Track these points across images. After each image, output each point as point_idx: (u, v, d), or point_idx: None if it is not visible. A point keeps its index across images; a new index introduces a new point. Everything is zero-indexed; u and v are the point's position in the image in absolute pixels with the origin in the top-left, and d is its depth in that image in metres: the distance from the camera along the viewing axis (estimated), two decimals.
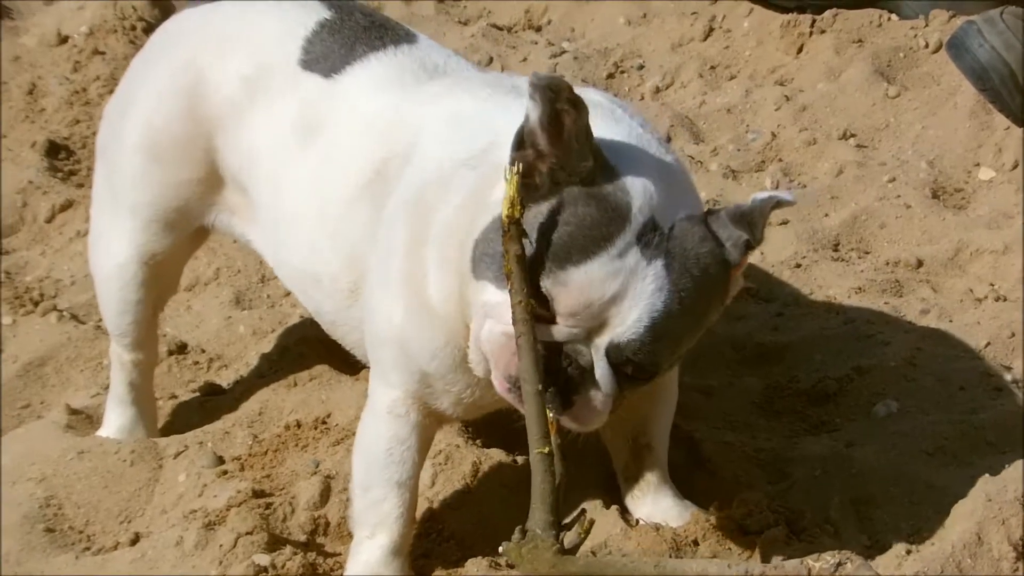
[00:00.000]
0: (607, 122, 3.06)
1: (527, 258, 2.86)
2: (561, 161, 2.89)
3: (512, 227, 2.84)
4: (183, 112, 3.54)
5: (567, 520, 2.88)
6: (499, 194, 2.95)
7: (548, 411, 2.86)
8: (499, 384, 2.98)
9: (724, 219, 2.95)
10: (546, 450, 2.84)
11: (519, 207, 2.84)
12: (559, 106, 2.86)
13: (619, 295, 2.88)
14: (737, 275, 3.01)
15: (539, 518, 2.85)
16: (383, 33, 3.48)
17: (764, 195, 2.97)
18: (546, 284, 2.88)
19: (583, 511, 2.93)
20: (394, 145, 3.27)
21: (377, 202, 3.25)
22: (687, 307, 2.91)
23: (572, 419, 2.96)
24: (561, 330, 2.90)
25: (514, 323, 2.85)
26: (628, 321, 2.89)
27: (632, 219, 2.89)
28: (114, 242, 3.70)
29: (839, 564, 2.74)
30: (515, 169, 2.85)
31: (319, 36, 3.48)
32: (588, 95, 3.01)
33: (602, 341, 2.91)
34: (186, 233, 3.68)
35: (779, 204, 2.96)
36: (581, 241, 2.88)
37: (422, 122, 3.27)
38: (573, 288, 2.87)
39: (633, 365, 2.93)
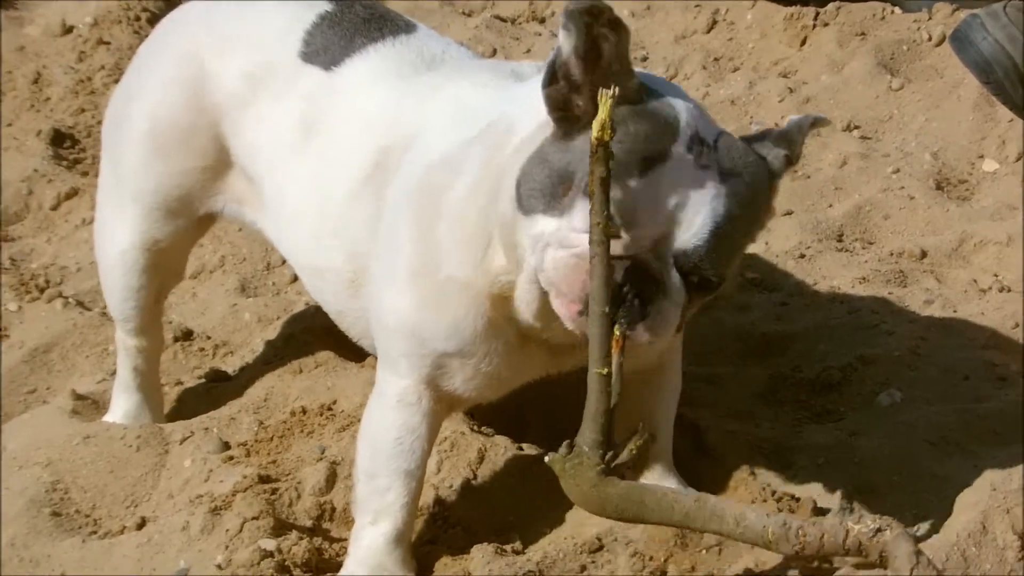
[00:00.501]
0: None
1: (609, 181, 2.83)
2: (602, 86, 2.88)
3: (600, 149, 2.81)
4: (187, 103, 3.56)
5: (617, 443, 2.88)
6: (517, 139, 2.97)
7: (614, 330, 2.84)
8: (567, 309, 2.93)
9: (762, 139, 3.02)
10: (605, 371, 2.84)
11: (609, 130, 2.81)
12: (597, 31, 2.85)
13: (681, 203, 2.88)
14: (775, 192, 3.05)
15: (588, 436, 2.85)
16: (383, 25, 3.49)
17: (801, 116, 3.05)
18: (622, 195, 2.86)
19: (635, 431, 2.92)
20: (394, 137, 3.27)
21: (378, 195, 3.25)
22: (742, 214, 2.93)
23: (647, 329, 2.93)
24: (629, 244, 2.88)
25: (591, 243, 2.82)
26: (694, 227, 2.89)
27: (681, 132, 2.90)
28: (118, 229, 3.71)
29: (878, 530, 2.75)
30: (610, 93, 2.83)
31: (319, 29, 3.49)
32: None
33: (669, 250, 2.90)
34: (189, 221, 3.69)
35: (816, 123, 3.06)
36: (639, 155, 2.87)
37: (423, 113, 3.27)
38: (639, 200, 2.86)
39: (699, 273, 2.92)
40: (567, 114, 2.91)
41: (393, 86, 3.37)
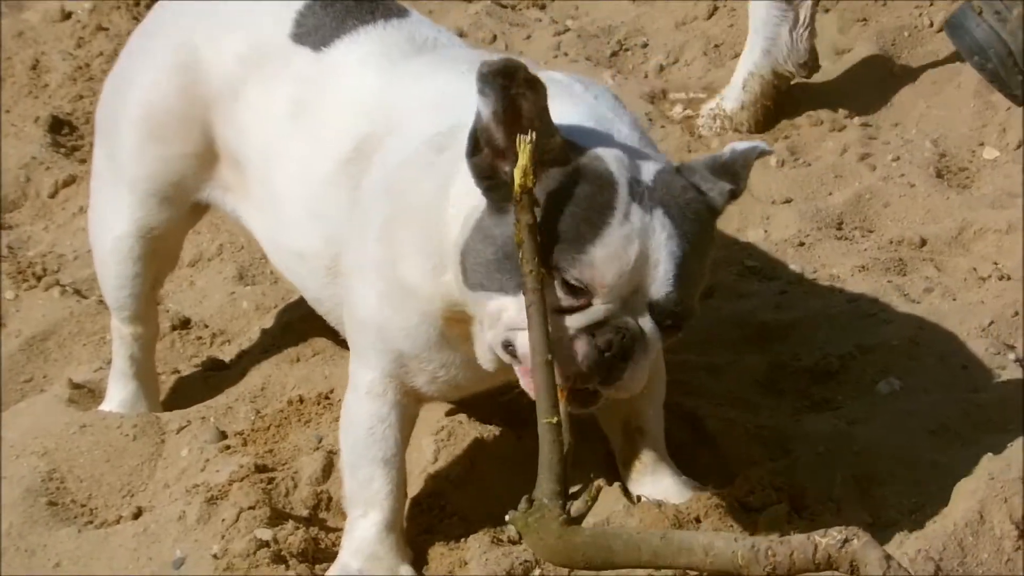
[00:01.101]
0: (562, 100, 3.04)
1: (538, 228, 2.84)
2: (532, 149, 2.85)
3: (524, 196, 2.82)
4: (180, 89, 3.55)
5: (574, 490, 2.88)
6: (458, 191, 2.96)
7: (556, 381, 2.85)
8: (528, 380, 2.96)
9: (703, 170, 2.99)
10: (554, 420, 2.83)
11: (532, 176, 2.82)
12: (515, 91, 2.83)
13: (642, 252, 2.88)
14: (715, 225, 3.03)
15: (546, 488, 2.85)
16: (374, 7, 3.47)
17: (744, 145, 3.01)
18: (574, 272, 2.87)
19: (591, 480, 2.93)
20: (375, 124, 3.26)
21: (356, 182, 3.25)
22: (697, 248, 2.93)
23: (622, 388, 2.96)
24: (600, 309, 2.89)
25: (525, 292, 2.83)
26: (659, 275, 2.89)
27: (619, 182, 2.89)
28: (112, 215, 3.70)
29: (846, 540, 2.74)
30: (528, 139, 2.82)
31: (312, 9, 3.48)
32: (546, 74, 3.00)
33: (643, 303, 2.91)
34: (183, 208, 3.68)
35: (761, 154, 3.02)
36: (586, 218, 2.87)
37: (402, 100, 3.26)
38: (600, 264, 2.87)
39: (673, 317, 2.93)
40: (495, 182, 2.89)
41: (380, 71, 3.35)
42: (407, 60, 3.35)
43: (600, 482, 2.97)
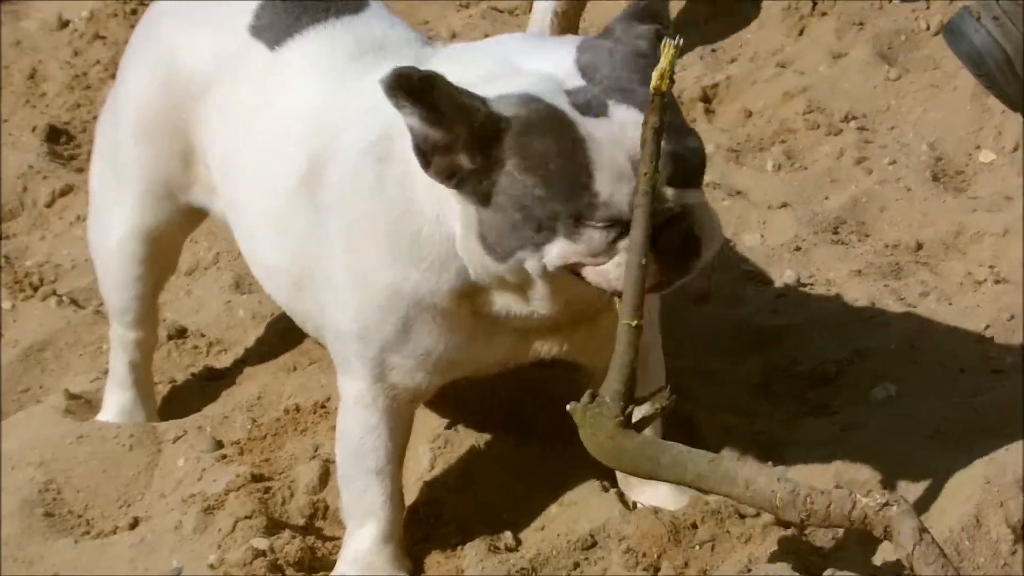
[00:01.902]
0: (462, 63, 3.03)
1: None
2: (470, 131, 2.85)
3: (657, 98, 2.79)
4: (161, 88, 3.55)
5: (641, 396, 2.89)
6: (425, 195, 2.96)
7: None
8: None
9: (622, 24, 2.97)
10: (634, 323, 2.83)
11: (667, 80, 2.80)
12: (421, 94, 2.82)
13: (633, 153, 2.84)
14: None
15: (612, 387, 2.86)
16: (330, 3, 3.42)
17: None
18: (598, 215, 2.85)
19: (662, 388, 2.91)
20: (322, 133, 3.23)
21: (312, 199, 3.22)
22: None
23: (708, 249, 2.94)
24: (652, 207, 2.84)
25: (637, 193, 2.81)
26: (673, 145, 2.86)
27: (566, 110, 2.86)
28: (113, 217, 3.71)
29: (885, 504, 2.76)
30: (675, 42, 2.81)
31: (271, 4, 3.45)
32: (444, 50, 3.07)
33: (660, 185, 2.86)
34: (177, 209, 3.66)
35: None
36: (564, 169, 2.85)
37: (341, 110, 3.22)
38: (610, 197, 2.84)
39: (693, 168, 2.92)
40: (463, 175, 2.88)
41: (323, 78, 3.31)
42: (353, 62, 3.30)
43: (672, 397, 2.93)
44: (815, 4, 5.65)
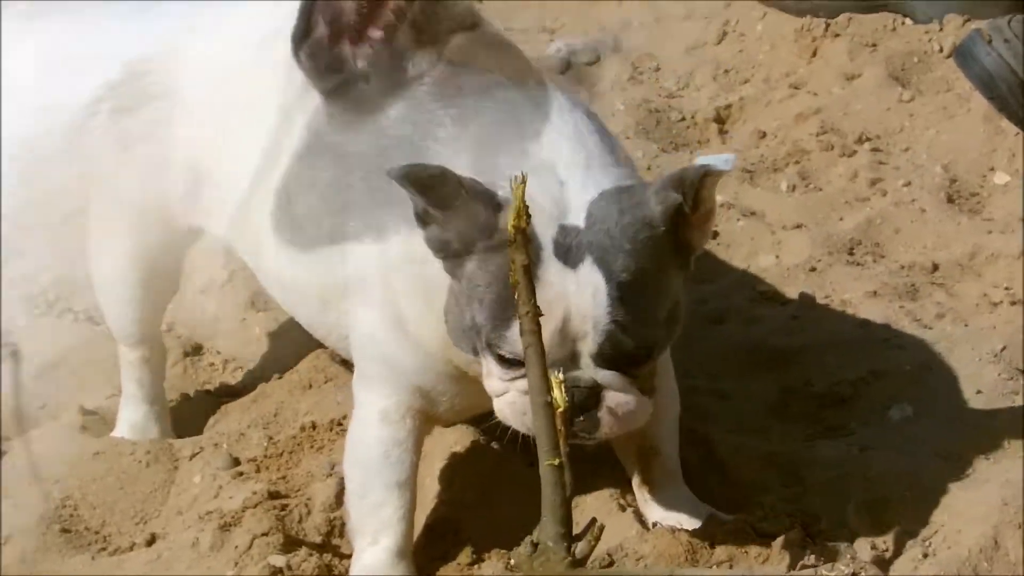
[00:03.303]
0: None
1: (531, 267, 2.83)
2: (463, 221, 2.87)
3: (518, 236, 2.80)
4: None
5: (577, 532, 2.88)
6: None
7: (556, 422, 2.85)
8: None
9: (666, 182, 2.92)
10: (556, 462, 2.83)
11: (524, 217, 2.80)
12: (425, 188, 2.85)
13: (567, 316, 2.86)
14: (697, 224, 2.95)
15: (550, 531, 2.85)
16: None
17: (705, 159, 2.94)
18: (505, 347, 2.89)
19: (593, 520, 2.92)
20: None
21: None
22: (639, 279, 2.88)
23: (613, 425, 2.96)
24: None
25: (522, 334, 2.82)
26: (594, 330, 2.87)
27: (539, 241, 2.87)
28: (111, 238, 3.70)
29: (853, 575, 2.75)
30: (520, 178, 2.80)
31: None
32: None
33: (584, 355, 2.89)
34: (177, 229, 3.66)
35: (708, 174, 2.89)
36: (504, 293, 2.87)
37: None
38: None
39: (626, 358, 2.91)
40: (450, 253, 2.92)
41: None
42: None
43: (601, 525, 2.95)
44: (828, 26, 5.66)
